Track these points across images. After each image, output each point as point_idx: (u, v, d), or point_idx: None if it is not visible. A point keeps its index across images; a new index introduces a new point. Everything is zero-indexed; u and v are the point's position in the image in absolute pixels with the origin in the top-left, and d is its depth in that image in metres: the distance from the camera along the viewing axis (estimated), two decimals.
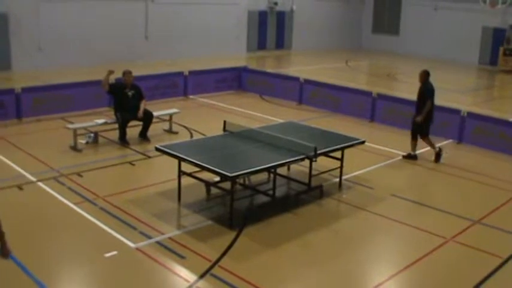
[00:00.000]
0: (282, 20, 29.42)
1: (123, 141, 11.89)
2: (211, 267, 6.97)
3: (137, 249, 7.38)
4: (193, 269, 6.91)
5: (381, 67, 26.96)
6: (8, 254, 5.69)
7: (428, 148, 12.51)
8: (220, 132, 10.08)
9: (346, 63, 26.51)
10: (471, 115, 13.31)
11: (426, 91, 11.33)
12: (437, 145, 11.74)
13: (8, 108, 13.44)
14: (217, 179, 8.90)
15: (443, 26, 29.15)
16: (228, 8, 26.64)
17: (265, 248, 7.63)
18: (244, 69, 19.08)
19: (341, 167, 10.00)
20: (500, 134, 12.55)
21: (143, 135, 12.25)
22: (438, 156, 11.58)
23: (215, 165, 8.05)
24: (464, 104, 16.72)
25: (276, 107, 16.41)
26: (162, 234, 7.81)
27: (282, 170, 9.81)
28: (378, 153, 11.94)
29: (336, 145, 9.75)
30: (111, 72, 11.89)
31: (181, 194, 8.98)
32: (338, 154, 10.06)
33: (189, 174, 8.97)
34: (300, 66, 24.91)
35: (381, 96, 15.11)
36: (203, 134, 12.38)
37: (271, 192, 9.00)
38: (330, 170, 10.40)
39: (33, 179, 9.73)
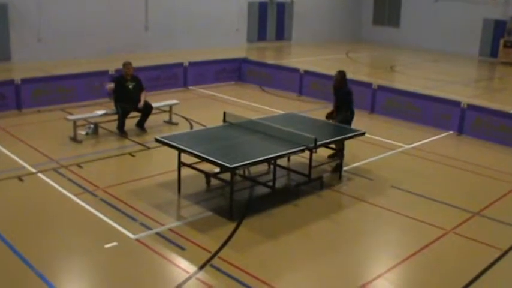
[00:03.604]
0: (282, 11, 29.34)
1: (121, 131, 11.89)
2: (211, 258, 6.98)
3: (137, 240, 7.39)
4: (193, 260, 6.92)
5: (382, 59, 26.92)
6: None
7: (430, 139, 12.56)
8: (220, 123, 10.07)
9: (347, 54, 26.45)
10: (471, 107, 13.29)
11: (347, 94, 10.37)
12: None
13: (8, 99, 13.42)
14: (217, 170, 8.89)
15: (444, 17, 29.06)
16: None
17: (265, 239, 7.63)
18: (245, 61, 19.04)
19: (341, 158, 10.00)
20: (501, 126, 12.54)
21: (141, 126, 12.25)
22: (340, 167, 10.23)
23: (215, 156, 8.04)
24: (465, 95, 16.69)
25: (276, 98, 16.39)
26: (162, 225, 7.82)
27: (282, 161, 9.80)
28: (377, 144, 11.94)
29: (336, 136, 9.76)
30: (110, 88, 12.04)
31: (181, 185, 8.98)
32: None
33: (189, 166, 8.97)
34: (300, 58, 24.87)
35: (381, 88, 15.08)
36: (203, 125, 12.38)
37: (271, 183, 8.99)
38: (330, 162, 10.42)
39: (33, 170, 9.73)
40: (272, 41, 29.13)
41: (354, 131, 10.03)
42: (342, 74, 10.47)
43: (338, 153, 10.33)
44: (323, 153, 10.45)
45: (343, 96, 10.39)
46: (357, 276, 6.89)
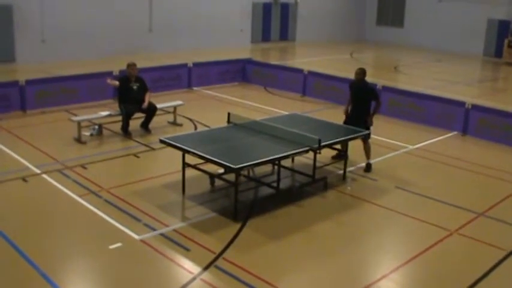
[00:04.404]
0: (286, 11, 29.36)
1: (125, 132, 11.92)
2: (216, 259, 6.99)
3: (141, 241, 7.39)
4: (197, 260, 6.93)
5: (385, 59, 26.89)
6: None
7: (434, 140, 12.55)
8: (225, 124, 10.07)
9: (351, 55, 26.44)
10: (476, 107, 13.27)
11: (372, 90, 10.62)
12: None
13: (12, 100, 13.46)
14: (222, 171, 8.90)
15: (448, 17, 29.02)
16: None
17: (270, 239, 7.63)
18: (248, 61, 19.05)
19: (345, 158, 10.00)
20: (505, 126, 12.51)
21: (145, 127, 12.26)
22: (369, 166, 10.47)
23: (219, 157, 8.05)
24: (469, 96, 16.67)
25: (280, 98, 16.39)
26: (167, 226, 7.82)
27: (286, 162, 9.80)
28: (382, 145, 11.92)
29: (340, 137, 9.76)
30: (115, 84, 12.12)
31: (186, 186, 8.99)
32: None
33: (194, 166, 8.97)
34: (304, 58, 24.86)
35: (385, 88, 15.06)
36: (207, 126, 12.39)
37: (275, 184, 9.00)
38: (334, 162, 10.42)
39: (37, 171, 9.75)
40: (276, 41, 29.15)
41: (358, 131, 10.02)
42: (363, 70, 10.55)
43: (342, 153, 10.35)
44: (327, 153, 10.46)
45: (367, 94, 10.48)
46: (361, 277, 6.89)
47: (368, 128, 10.31)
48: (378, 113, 10.85)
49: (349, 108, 10.67)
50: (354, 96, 10.63)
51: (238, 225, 7.92)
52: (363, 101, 10.49)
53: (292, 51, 28.27)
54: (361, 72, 10.50)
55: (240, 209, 8.24)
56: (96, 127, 11.92)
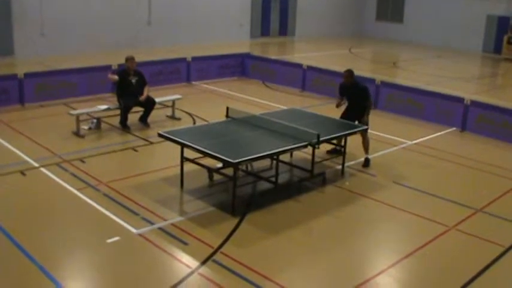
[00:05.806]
0: (285, 6, 29.31)
1: (124, 126, 11.90)
2: (214, 253, 6.99)
3: (140, 235, 7.39)
4: (195, 255, 6.93)
5: (384, 55, 26.87)
6: None
7: (432, 135, 12.55)
8: (223, 118, 10.07)
9: (349, 50, 26.41)
10: (475, 103, 13.27)
11: (364, 91, 10.44)
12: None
13: (11, 93, 13.43)
14: (220, 165, 8.90)
15: (447, 13, 28.98)
16: None
17: (268, 234, 7.64)
18: (248, 56, 19.03)
19: (344, 154, 10.00)
20: (504, 123, 12.50)
21: (143, 121, 12.24)
22: (367, 161, 10.48)
23: (218, 151, 8.05)
24: (468, 92, 16.67)
25: (278, 93, 16.38)
26: (165, 220, 7.82)
27: (285, 157, 9.80)
28: (380, 140, 11.92)
29: (339, 132, 9.76)
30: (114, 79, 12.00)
31: (184, 180, 8.98)
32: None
33: (192, 161, 8.97)
34: (303, 53, 24.84)
35: (383, 84, 15.05)
36: (206, 120, 12.37)
37: (273, 178, 8.99)
38: (332, 157, 10.42)
39: (36, 164, 9.74)
40: (275, 36, 29.10)
41: (356, 126, 10.02)
42: (350, 72, 10.52)
43: (338, 148, 10.36)
44: (325, 148, 10.46)
45: (360, 92, 10.42)
46: (359, 271, 6.90)
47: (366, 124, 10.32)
48: (374, 109, 10.81)
49: (344, 105, 10.66)
50: (348, 97, 10.65)
51: (236, 220, 7.92)
52: (358, 100, 10.47)
53: (291, 46, 28.24)
54: (349, 75, 10.51)
55: (238, 204, 8.25)
56: (95, 121, 11.91)
